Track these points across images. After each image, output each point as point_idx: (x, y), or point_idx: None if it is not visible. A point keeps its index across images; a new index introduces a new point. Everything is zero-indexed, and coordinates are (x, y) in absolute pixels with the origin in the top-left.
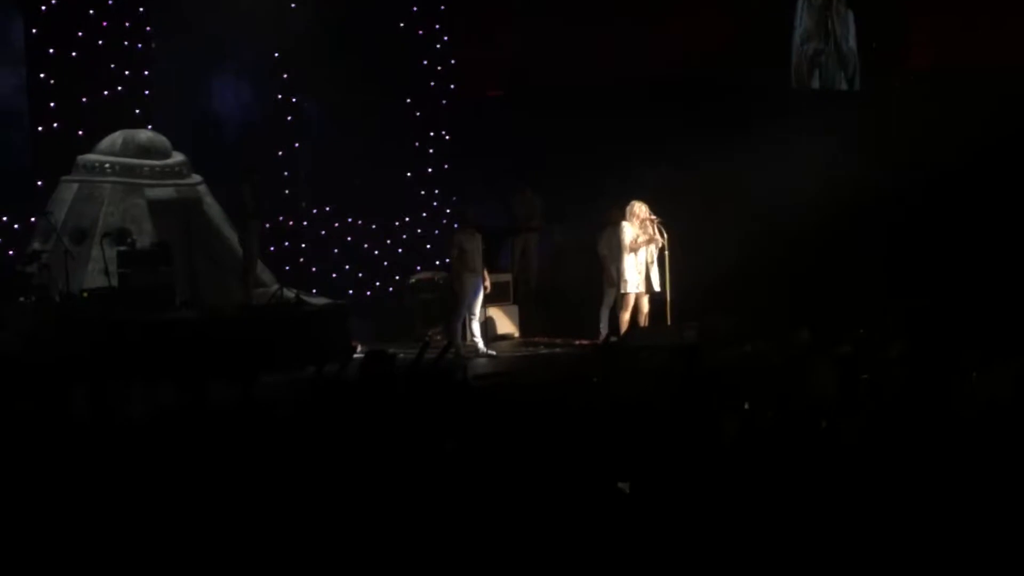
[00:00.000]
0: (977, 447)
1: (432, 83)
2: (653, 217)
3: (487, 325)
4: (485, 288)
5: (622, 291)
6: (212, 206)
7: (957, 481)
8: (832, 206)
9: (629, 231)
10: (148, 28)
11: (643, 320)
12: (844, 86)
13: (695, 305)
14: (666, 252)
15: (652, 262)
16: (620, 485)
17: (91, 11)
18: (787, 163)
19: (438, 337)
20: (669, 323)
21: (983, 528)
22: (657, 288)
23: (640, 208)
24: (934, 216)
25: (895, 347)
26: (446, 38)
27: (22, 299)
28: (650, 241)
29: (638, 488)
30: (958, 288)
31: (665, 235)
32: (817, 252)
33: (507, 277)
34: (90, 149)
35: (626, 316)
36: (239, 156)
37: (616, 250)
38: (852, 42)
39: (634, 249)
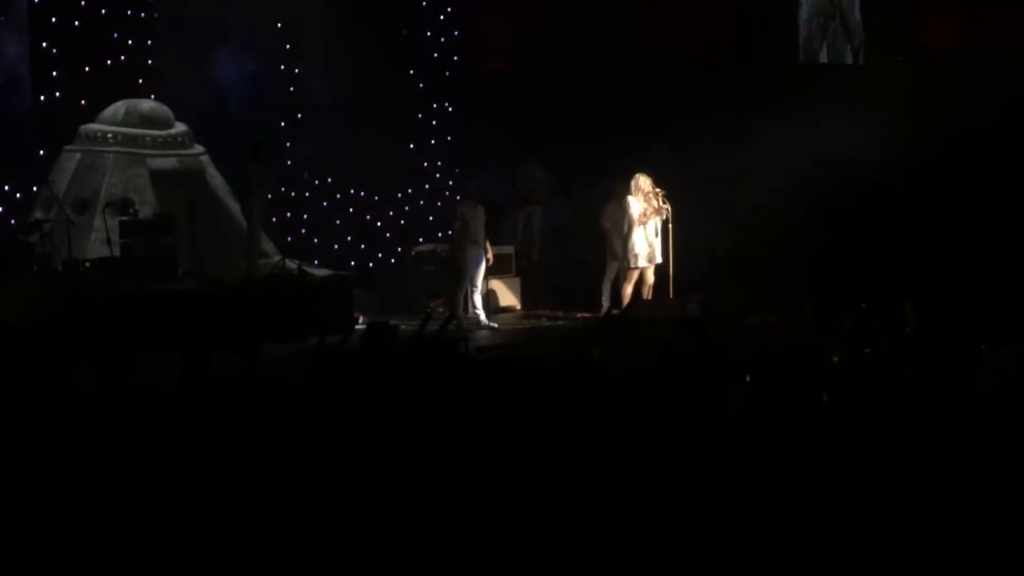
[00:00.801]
0: (982, 426)
1: (436, 55)
2: (657, 190)
3: (489, 297)
4: (487, 260)
5: (631, 265)
6: (215, 177)
7: (961, 458)
8: (839, 182)
9: (636, 205)
10: None
11: (648, 292)
12: (850, 59)
13: (700, 279)
14: (670, 224)
15: (657, 235)
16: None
17: None
18: (795, 139)
19: (440, 309)
20: (672, 296)
21: (984, 504)
22: (660, 260)
23: (645, 181)
24: (941, 194)
25: (907, 321)
26: (451, 9)
27: (24, 268)
28: (656, 214)
29: (641, 460)
30: (964, 266)
31: (669, 207)
32: (822, 227)
33: (510, 249)
34: (93, 119)
35: (630, 289)
36: (242, 127)
37: (621, 224)
38: (857, 13)
39: (642, 223)
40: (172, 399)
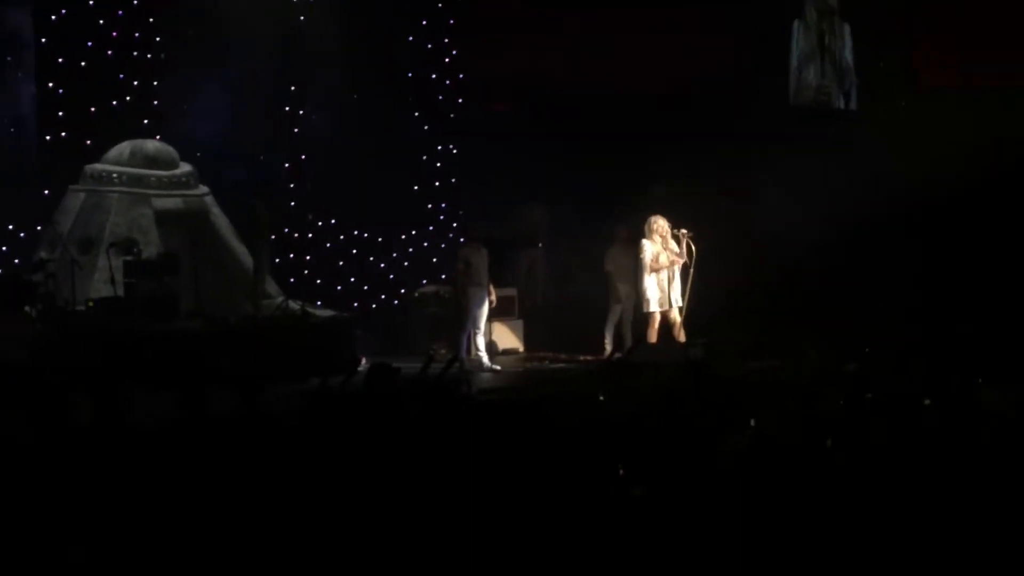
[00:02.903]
0: (984, 468)
1: (440, 96)
2: (683, 231)
3: (492, 340)
4: (490, 302)
5: (645, 310)
6: (219, 217)
7: (962, 501)
8: (844, 225)
9: (650, 248)
10: (157, 39)
11: (677, 334)
12: (841, 102)
13: (704, 322)
14: (690, 268)
15: (674, 278)
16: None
17: (101, 21)
18: (799, 181)
19: (443, 351)
20: (681, 339)
21: (987, 549)
22: (679, 303)
23: (661, 224)
24: (944, 236)
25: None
26: (455, 52)
27: (28, 307)
28: (675, 258)
29: (639, 504)
30: (966, 309)
31: (693, 249)
32: (827, 271)
33: (512, 292)
34: (98, 158)
35: (652, 333)
36: (246, 168)
37: (624, 267)
38: (849, 55)
39: (654, 268)
40: (166, 435)
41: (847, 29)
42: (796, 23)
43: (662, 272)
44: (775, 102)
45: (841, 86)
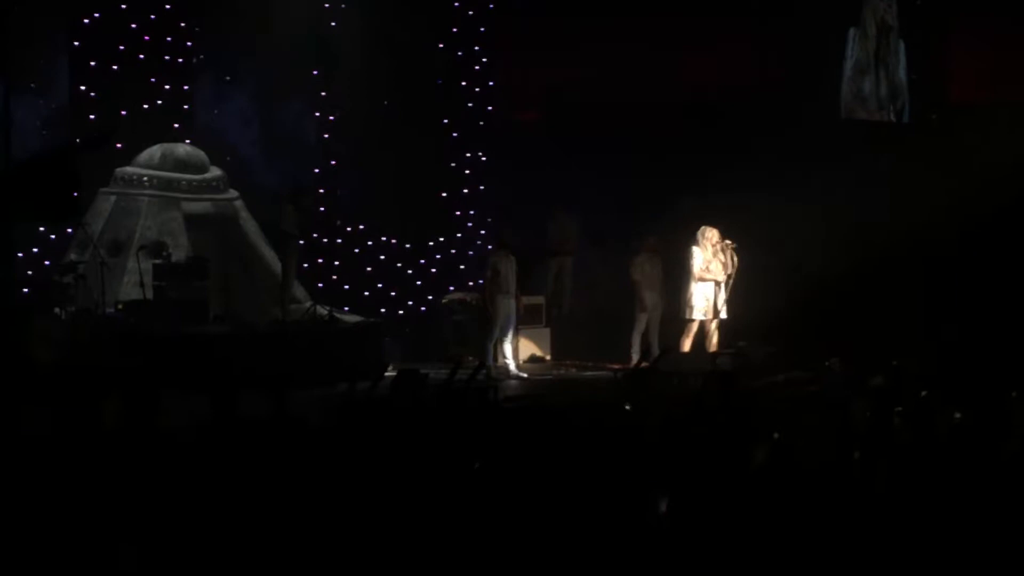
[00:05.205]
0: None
1: (470, 104)
2: (728, 242)
3: (519, 347)
4: (518, 310)
5: (686, 317)
6: (248, 221)
7: (990, 515)
8: (875, 238)
9: (699, 256)
10: (189, 43)
11: (712, 346)
12: (892, 118)
13: (733, 333)
14: (731, 280)
15: (723, 290)
16: (660, 504)
17: (133, 25)
18: (829, 194)
19: (470, 358)
20: (716, 350)
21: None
22: (724, 316)
23: (712, 233)
24: (975, 252)
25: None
26: (485, 60)
27: (57, 309)
28: (722, 268)
29: (664, 513)
30: (998, 324)
31: (736, 261)
32: (855, 283)
33: (540, 300)
34: (129, 162)
35: (687, 342)
36: (275, 173)
37: (651, 276)
38: (903, 74)
39: (702, 278)
40: (197, 438)
41: (902, 47)
42: (852, 31)
43: (708, 282)
44: (816, 115)
45: (893, 103)
